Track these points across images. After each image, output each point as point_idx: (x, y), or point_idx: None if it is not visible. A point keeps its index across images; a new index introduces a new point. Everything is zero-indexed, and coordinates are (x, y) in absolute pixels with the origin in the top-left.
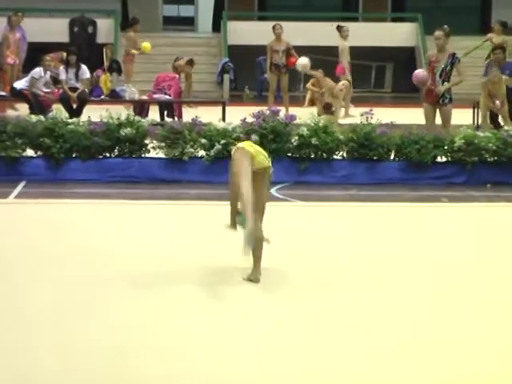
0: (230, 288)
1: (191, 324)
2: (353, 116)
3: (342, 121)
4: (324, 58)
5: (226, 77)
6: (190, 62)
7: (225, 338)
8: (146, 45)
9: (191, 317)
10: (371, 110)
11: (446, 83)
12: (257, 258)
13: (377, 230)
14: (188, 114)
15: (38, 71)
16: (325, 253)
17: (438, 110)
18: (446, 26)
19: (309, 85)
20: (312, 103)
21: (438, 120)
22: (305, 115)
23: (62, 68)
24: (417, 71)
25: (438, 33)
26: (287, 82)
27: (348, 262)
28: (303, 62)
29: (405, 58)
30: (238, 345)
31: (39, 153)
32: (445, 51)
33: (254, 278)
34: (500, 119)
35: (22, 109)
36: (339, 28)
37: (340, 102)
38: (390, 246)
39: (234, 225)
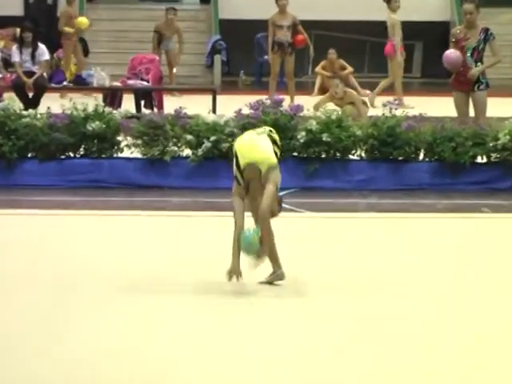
0: (225, 299)
1: (183, 333)
2: (374, 107)
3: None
4: (337, 34)
5: (217, 58)
6: (174, 11)
7: (220, 347)
8: (81, 20)
9: (183, 326)
10: (396, 100)
11: (479, 65)
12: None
13: (401, 247)
14: (170, 103)
15: None
16: (335, 272)
17: (470, 99)
18: None
19: (318, 68)
20: (323, 91)
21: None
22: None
23: (14, 48)
24: (448, 51)
25: (468, 6)
26: (293, 65)
27: (362, 284)
28: None
29: (437, 36)
30: (233, 356)
31: None
32: (476, 27)
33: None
34: None
35: None
36: None
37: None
38: (416, 265)
39: (236, 261)
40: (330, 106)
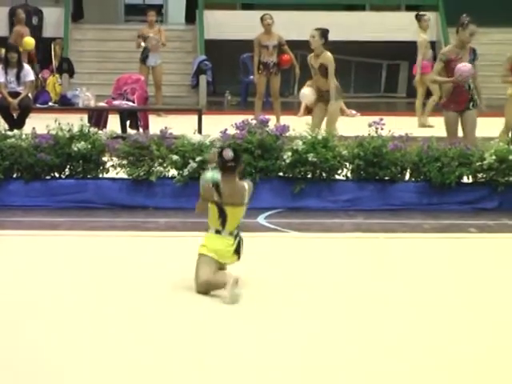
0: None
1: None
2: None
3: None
4: None
5: (203, 78)
6: (153, 12)
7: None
8: (27, 40)
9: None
10: (381, 120)
11: (469, 83)
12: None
13: (388, 268)
14: (156, 124)
15: None
16: (320, 296)
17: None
18: (465, 15)
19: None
20: (308, 111)
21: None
22: (300, 126)
23: None
24: (462, 65)
25: (475, 28)
26: (278, 85)
27: (349, 308)
28: (306, 93)
29: None
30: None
31: None
32: (466, 47)
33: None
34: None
35: None
36: (419, 17)
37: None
38: (402, 286)
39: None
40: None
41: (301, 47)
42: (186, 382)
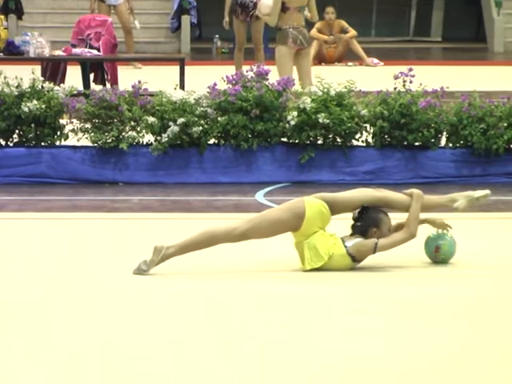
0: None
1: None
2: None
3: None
4: None
5: (186, 20)
6: None
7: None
8: None
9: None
10: (410, 70)
11: None
12: None
13: (420, 255)
14: (127, 77)
15: None
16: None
17: None
18: None
19: (314, 32)
20: (319, 60)
21: None
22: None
23: None
24: None
25: None
26: (261, 32)
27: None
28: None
29: None
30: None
31: None
32: None
33: None
34: None
35: None
36: None
37: None
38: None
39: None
40: None
41: None
42: None
